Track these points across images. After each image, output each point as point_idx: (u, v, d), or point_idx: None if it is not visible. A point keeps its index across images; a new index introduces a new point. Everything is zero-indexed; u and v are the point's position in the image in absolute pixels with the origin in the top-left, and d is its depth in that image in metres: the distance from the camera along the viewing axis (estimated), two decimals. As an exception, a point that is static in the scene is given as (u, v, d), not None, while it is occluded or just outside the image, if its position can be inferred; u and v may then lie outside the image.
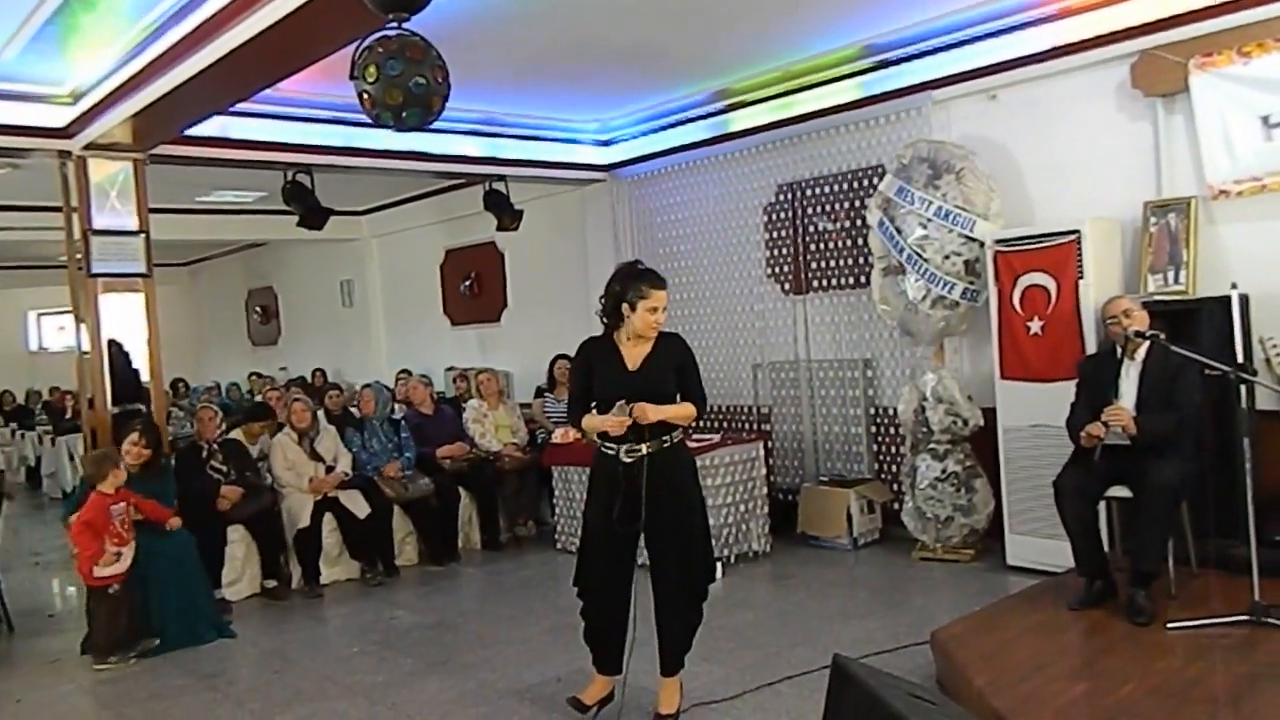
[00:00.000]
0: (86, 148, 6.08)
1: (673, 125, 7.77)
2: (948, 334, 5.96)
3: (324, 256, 12.55)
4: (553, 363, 8.12)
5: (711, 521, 5.93)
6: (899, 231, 5.83)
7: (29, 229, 9.04)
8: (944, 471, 5.87)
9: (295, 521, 6.31)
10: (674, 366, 3.87)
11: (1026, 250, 5.36)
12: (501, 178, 8.28)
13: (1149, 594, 4.10)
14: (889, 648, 4.45)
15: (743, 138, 7.33)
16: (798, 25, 5.94)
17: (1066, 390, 4.70)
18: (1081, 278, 5.16)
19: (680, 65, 6.61)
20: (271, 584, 6.22)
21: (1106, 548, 4.55)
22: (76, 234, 6.24)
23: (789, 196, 7.24)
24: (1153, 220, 5.28)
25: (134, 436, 5.48)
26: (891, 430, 6.70)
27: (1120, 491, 4.37)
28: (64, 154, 6.17)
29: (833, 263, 7.00)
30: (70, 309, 6.39)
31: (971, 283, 5.70)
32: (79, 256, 6.22)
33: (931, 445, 5.93)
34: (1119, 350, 4.40)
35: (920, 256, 5.74)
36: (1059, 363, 5.16)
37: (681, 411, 3.80)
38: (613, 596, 3.84)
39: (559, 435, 7.06)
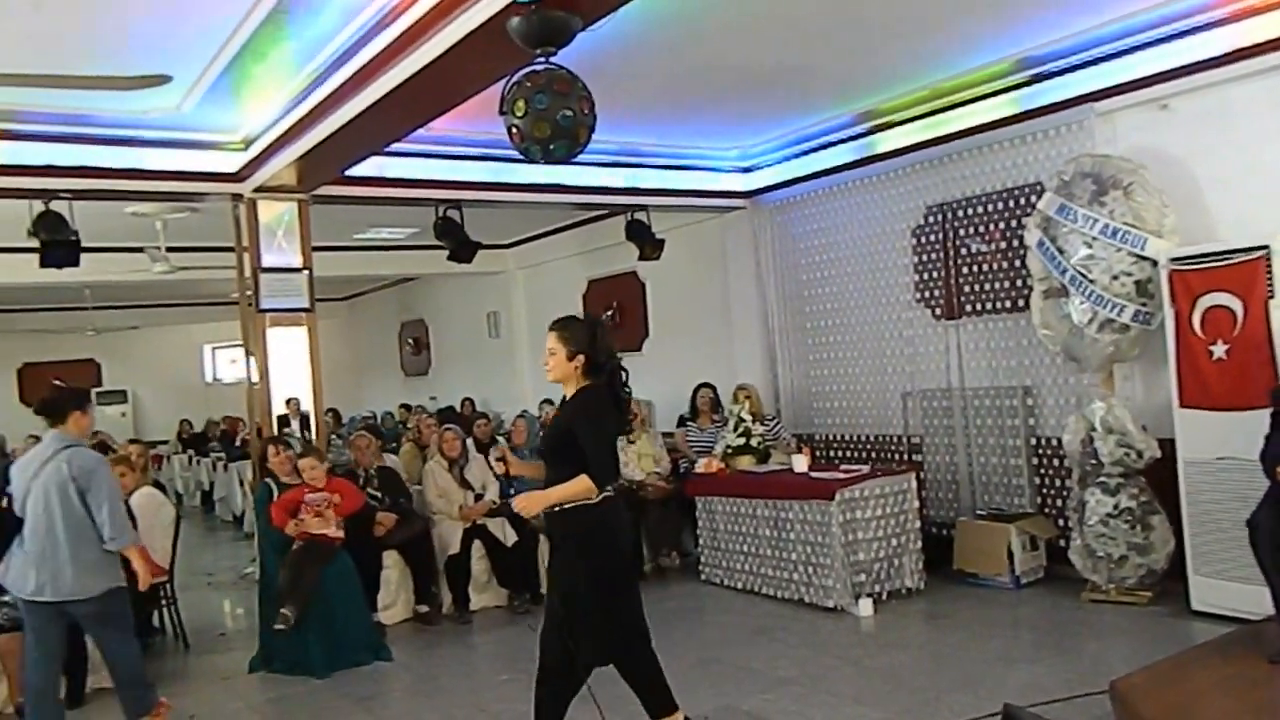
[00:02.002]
0: (256, 190, 6.46)
1: (816, 149, 7.63)
2: (1117, 359, 5.59)
3: (471, 289, 12.94)
4: (695, 391, 8.08)
5: (860, 556, 5.81)
6: (1061, 252, 5.52)
7: (204, 268, 9.67)
8: (1116, 507, 5.47)
9: (446, 548, 6.45)
10: (566, 427, 3.61)
11: (1207, 269, 4.98)
12: (643, 208, 8.34)
13: (1363, 648, 3.68)
14: (1060, 696, 4.14)
15: (889, 159, 7.13)
16: (947, 42, 5.74)
17: (1257, 420, 4.29)
18: (1272, 297, 4.76)
19: (823, 88, 6.49)
20: (423, 609, 6.36)
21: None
22: (247, 272, 6.62)
23: (939, 218, 6.98)
24: (1354, 233, 4.81)
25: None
26: (1055, 462, 6.31)
27: (1326, 532, 3.95)
28: (236, 197, 6.57)
29: (987, 286, 6.69)
30: (240, 342, 6.78)
31: (1144, 304, 5.33)
32: (249, 293, 6.59)
33: (1101, 479, 5.55)
34: (1321, 376, 4.00)
35: (1085, 278, 5.40)
36: (1247, 390, 4.76)
37: (567, 491, 3.49)
38: (549, 655, 3.64)
39: (702, 465, 6.99)
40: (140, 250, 8.87)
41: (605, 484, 3.52)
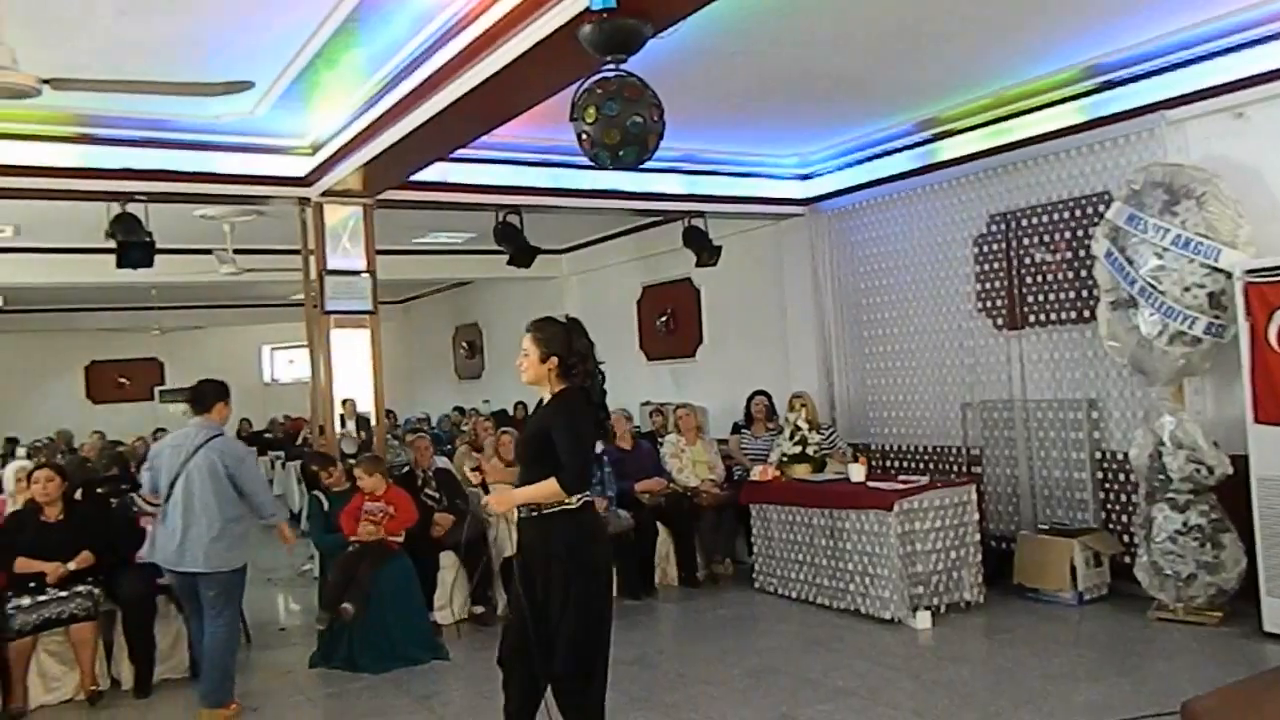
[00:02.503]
0: (323, 194, 6.58)
1: (876, 157, 7.59)
2: (1188, 373, 5.46)
3: (525, 294, 13.02)
4: (750, 399, 8.05)
5: (918, 568, 5.74)
6: (1130, 262, 5.42)
7: (266, 270, 9.86)
8: (1185, 524, 5.35)
9: (502, 550, 6.49)
10: (542, 430, 3.50)
11: (1285, 281, 4.85)
12: (701, 214, 8.34)
13: None
14: (1128, 717, 4.06)
15: (951, 167, 7.06)
16: (1013, 49, 5.68)
17: (1339, 437, 4.19)
18: (1353, 311, 4.62)
19: (885, 95, 6.45)
20: (479, 610, 6.41)
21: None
22: (313, 274, 6.74)
23: (1003, 227, 6.88)
24: None
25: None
26: (1121, 477, 6.18)
27: None
28: (303, 201, 6.70)
29: (1051, 296, 6.59)
30: (301, 343, 6.91)
31: (1216, 317, 5.20)
32: (314, 295, 6.71)
33: (1170, 494, 5.42)
34: None
35: (1155, 289, 5.30)
36: (1327, 406, 4.62)
37: (536, 492, 3.42)
38: (513, 666, 3.61)
39: (758, 472, 6.97)
40: (207, 252, 9.07)
41: (577, 490, 3.44)
